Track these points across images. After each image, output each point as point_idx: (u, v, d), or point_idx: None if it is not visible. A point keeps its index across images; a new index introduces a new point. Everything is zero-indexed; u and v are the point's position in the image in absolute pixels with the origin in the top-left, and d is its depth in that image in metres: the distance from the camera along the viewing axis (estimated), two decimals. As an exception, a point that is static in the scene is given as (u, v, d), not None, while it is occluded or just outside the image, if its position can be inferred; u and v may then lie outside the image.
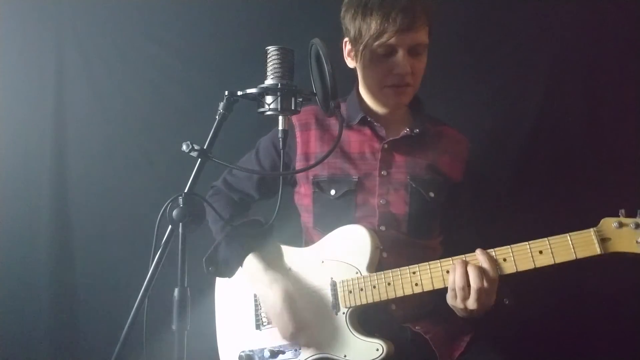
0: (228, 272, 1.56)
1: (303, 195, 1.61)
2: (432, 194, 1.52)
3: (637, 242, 1.23)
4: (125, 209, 2.11)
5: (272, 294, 1.47)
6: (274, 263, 1.54)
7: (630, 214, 1.26)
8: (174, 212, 1.14)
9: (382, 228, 1.50)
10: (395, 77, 1.47)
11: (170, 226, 1.15)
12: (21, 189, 2.15)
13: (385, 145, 1.54)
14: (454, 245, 1.52)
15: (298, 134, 1.59)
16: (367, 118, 1.56)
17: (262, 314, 1.55)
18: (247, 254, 1.54)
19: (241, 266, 1.55)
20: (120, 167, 2.14)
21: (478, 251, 1.34)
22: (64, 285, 2.13)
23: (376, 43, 1.43)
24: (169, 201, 1.15)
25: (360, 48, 1.46)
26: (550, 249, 1.29)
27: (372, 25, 1.42)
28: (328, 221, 1.54)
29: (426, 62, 1.51)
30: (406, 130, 1.54)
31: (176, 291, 1.12)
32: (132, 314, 1.14)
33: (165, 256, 1.16)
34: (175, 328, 1.11)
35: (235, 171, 1.69)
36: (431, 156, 1.56)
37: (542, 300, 1.80)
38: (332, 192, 1.54)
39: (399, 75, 1.46)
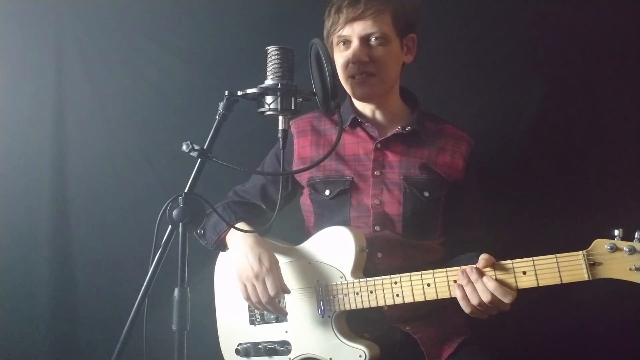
0: (214, 236, 1.56)
1: (306, 196, 1.62)
2: (426, 194, 1.52)
3: (629, 269, 1.15)
4: (125, 209, 2.11)
5: (254, 253, 1.46)
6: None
7: (628, 234, 1.17)
8: (174, 212, 1.14)
9: (377, 228, 1.50)
10: (353, 67, 1.50)
11: (170, 226, 1.16)
12: (21, 189, 2.15)
13: (378, 145, 1.54)
14: (463, 247, 1.52)
15: (295, 140, 1.62)
16: (358, 119, 1.57)
17: (257, 310, 1.55)
18: (238, 221, 1.55)
19: (225, 242, 1.54)
20: (120, 167, 2.13)
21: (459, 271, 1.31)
22: (64, 285, 2.13)
23: (333, 37, 1.52)
24: (169, 201, 1.16)
25: (328, 44, 1.54)
26: (535, 270, 1.23)
27: (329, 21, 1.53)
28: (325, 221, 1.54)
29: (395, 52, 1.51)
30: (398, 129, 1.54)
31: (176, 291, 1.12)
32: (132, 314, 1.14)
33: (165, 256, 1.17)
34: (175, 328, 1.11)
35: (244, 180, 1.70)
36: (427, 155, 1.55)
37: (536, 304, 1.79)
38: (327, 192, 1.55)
39: (355, 65, 1.49)
